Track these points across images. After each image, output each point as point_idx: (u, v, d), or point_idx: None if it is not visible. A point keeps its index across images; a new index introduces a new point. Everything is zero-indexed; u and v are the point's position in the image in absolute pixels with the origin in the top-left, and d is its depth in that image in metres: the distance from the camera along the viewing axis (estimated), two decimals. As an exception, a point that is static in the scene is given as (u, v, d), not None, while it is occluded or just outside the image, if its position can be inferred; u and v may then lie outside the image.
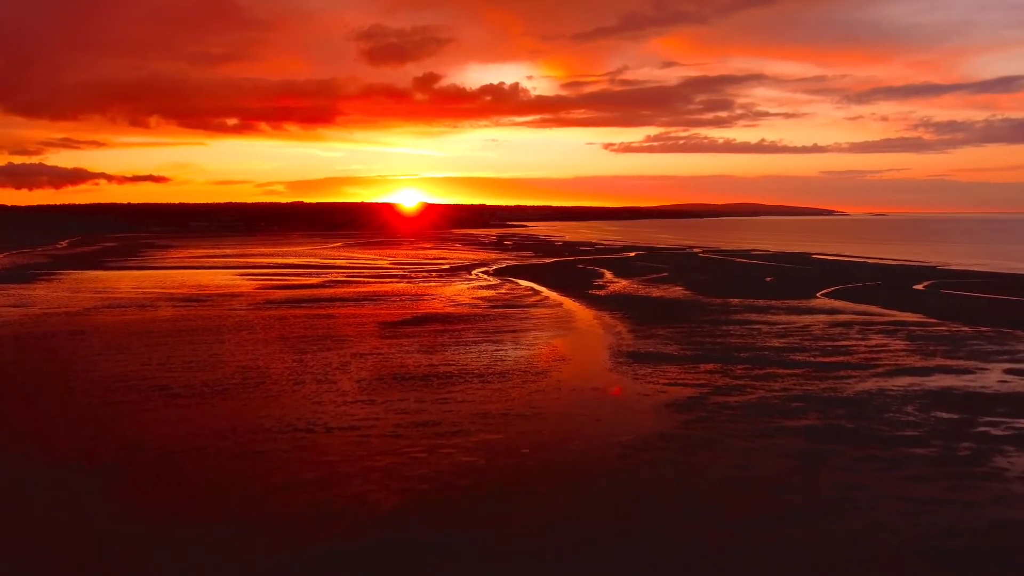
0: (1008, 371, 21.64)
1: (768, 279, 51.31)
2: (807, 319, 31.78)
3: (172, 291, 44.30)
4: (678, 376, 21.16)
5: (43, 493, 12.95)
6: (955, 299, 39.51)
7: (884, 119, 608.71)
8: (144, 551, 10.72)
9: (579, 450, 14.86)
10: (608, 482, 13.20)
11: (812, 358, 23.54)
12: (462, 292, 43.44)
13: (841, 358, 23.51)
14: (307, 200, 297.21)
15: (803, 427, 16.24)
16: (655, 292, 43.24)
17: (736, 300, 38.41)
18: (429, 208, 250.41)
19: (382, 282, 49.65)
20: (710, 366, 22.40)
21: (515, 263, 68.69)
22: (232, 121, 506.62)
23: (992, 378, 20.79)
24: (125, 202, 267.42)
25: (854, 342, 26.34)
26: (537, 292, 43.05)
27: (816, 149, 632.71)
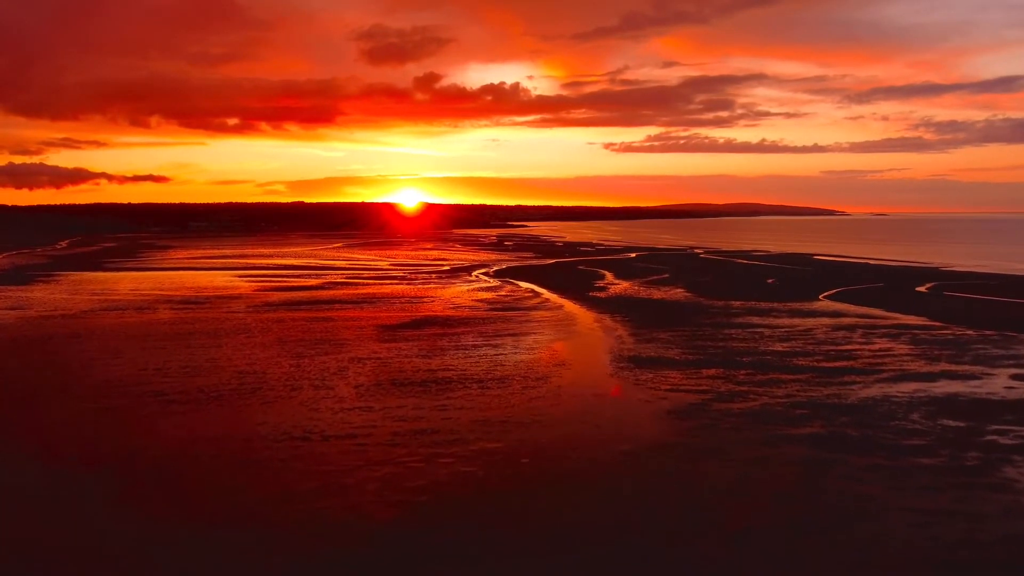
0: (1014, 376, 21.37)
1: (770, 281, 51.04)
2: (810, 322, 31.52)
3: (170, 293, 44.06)
4: (680, 381, 20.90)
5: (30, 502, 12.71)
6: (958, 301, 39.24)
7: (885, 119, 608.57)
8: (134, 565, 10.47)
9: (580, 460, 14.61)
10: (610, 494, 12.94)
11: (815, 363, 23.28)
12: (462, 294, 43.19)
13: (845, 363, 23.24)
14: (308, 200, 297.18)
15: (808, 435, 15.98)
16: (656, 294, 42.99)
17: (738, 302, 38.14)
18: (429, 208, 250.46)
19: (381, 284, 49.41)
20: (712, 371, 22.14)
21: (515, 264, 68.45)
22: (233, 121, 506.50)
23: (998, 384, 20.52)
24: (126, 202, 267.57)
25: (858, 346, 26.07)
26: (537, 294, 42.80)
27: (817, 149, 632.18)
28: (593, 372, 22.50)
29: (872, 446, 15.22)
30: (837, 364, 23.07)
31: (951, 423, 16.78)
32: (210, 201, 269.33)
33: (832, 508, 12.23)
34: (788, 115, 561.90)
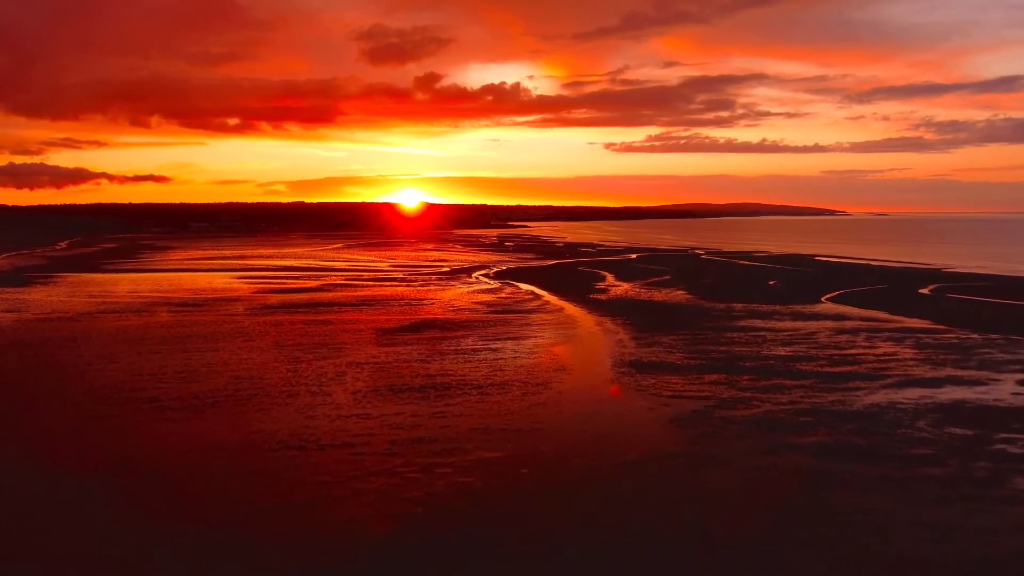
0: (1021, 382, 21.07)
1: (771, 282, 50.73)
2: (813, 325, 31.22)
3: (169, 295, 43.78)
4: (682, 387, 20.60)
5: (15, 510, 12.43)
6: (962, 304, 38.93)
7: (885, 119, 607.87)
8: (123, 583, 10.21)
9: (580, 470, 14.31)
10: (611, 506, 12.65)
11: (819, 368, 22.99)
12: (462, 296, 42.90)
13: (849, 368, 22.95)
14: (308, 200, 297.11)
15: (813, 444, 15.68)
16: (657, 296, 42.68)
17: (740, 305, 37.85)
18: (430, 208, 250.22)
19: (381, 285, 49.12)
20: (714, 376, 21.85)
21: (516, 265, 68.16)
22: (233, 121, 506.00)
23: (1005, 390, 20.22)
24: (126, 202, 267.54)
25: (862, 350, 25.77)
26: (538, 296, 42.50)
27: (817, 149, 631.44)
28: (594, 377, 22.20)
29: (879, 455, 14.93)
30: (841, 369, 22.78)
31: (958, 431, 16.48)
32: (211, 201, 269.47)
33: (839, 522, 11.93)
34: (789, 115, 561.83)
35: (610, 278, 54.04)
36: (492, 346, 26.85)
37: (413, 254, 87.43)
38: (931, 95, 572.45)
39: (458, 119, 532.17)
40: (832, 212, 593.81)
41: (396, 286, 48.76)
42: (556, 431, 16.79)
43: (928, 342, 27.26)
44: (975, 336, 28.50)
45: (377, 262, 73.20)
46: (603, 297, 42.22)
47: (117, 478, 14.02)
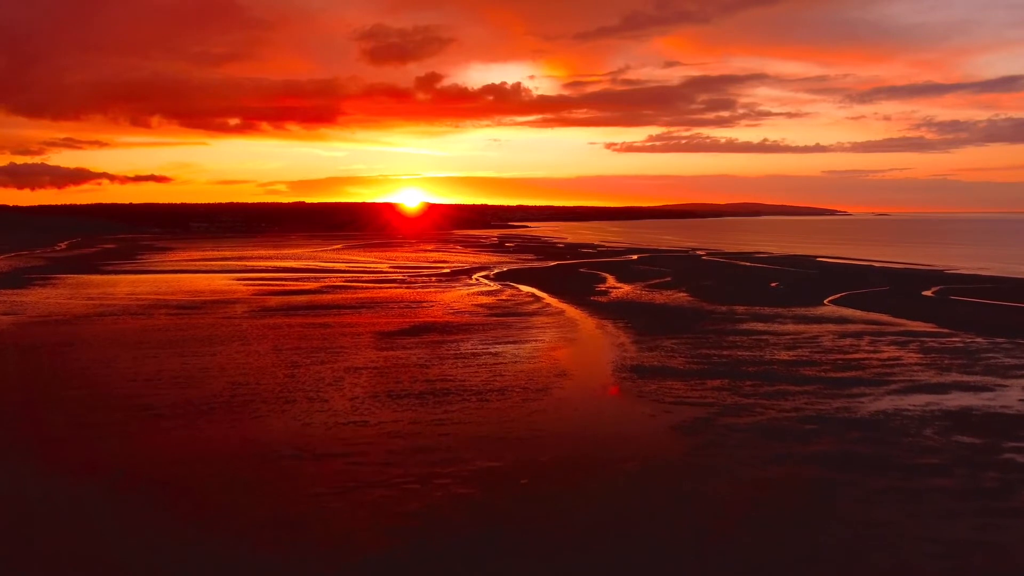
0: (1028, 388, 20.77)
1: (773, 284, 50.43)
2: (815, 329, 30.92)
3: (167, 297, 43.50)
4: (684, 393, 20.31)
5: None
6: (966, 307, 38.63)
7: (886, 119, 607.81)
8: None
9: (581, 481, 14.02)
10: (613, 520, 12.34)
11: (823, 373, 22.69)
12: (462, 298, 42.61)
13: (853, 373, 22.65)
14: (309, 200, 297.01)
15: (818, 453, 15.38)
16: (658, 299, 42.39)
17: (742, 308, 37.55)
18: (431, 208, 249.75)
19: (381, 287, 48.84)
20: (717, 382, 21.55)
21: (516, 266, 67.87)
22: (234, 121, 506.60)
23: (1013, 396, 19.91)
24: (127, 202, 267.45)
25: (866, 355, 25.48)
26: (538, 299, 42.21)
27: (818, 149, 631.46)
28: (595, 383, 21.91)
29: (885, 465, 14.63)
30: (845, 374, 22.48)
31: (966, 440, 16.19)
32: (211, 201, 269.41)
33: (846, 537, 11.63)
34: (790, 115, 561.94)
35: (611, 280, 53.75)
36: (492, 350, 26.56)
37: (413, 255, 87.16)
38: (932, 95, 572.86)
39: (459, 119, 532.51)
40: (833, 212, 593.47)
41: (396, 288, 48.49)
42: (556, 439, 16.49)
43: (933, 346, 26.96)
44: (980, 340, 28.20)
45: (377, 263, 72.93)
46: (604, 299, 41.92)
47: (103, 490, 13.72)
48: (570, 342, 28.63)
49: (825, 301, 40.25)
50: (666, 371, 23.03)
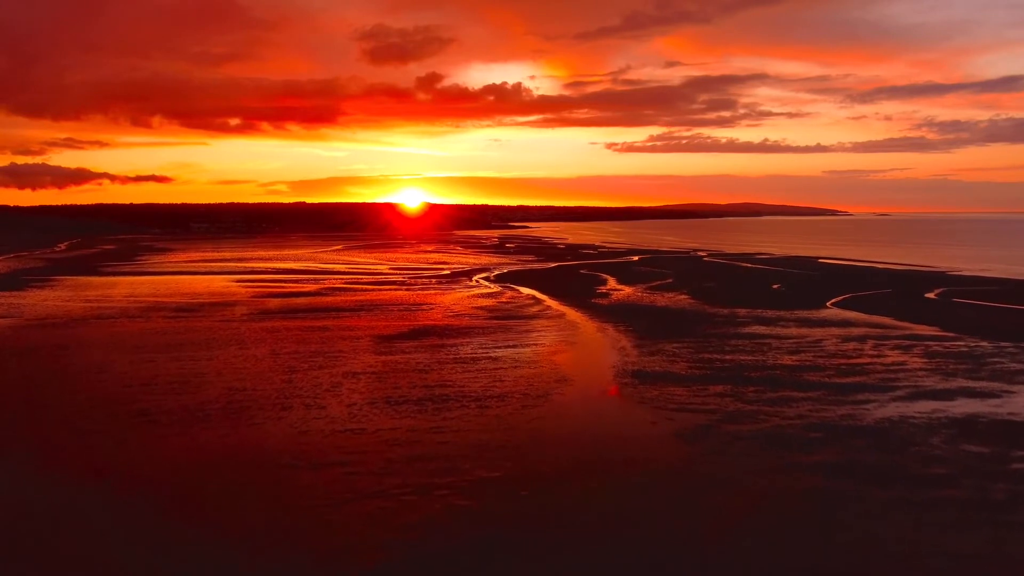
0: (1035, 394, 20.49)
1: (775, 286, 50.13)
2: (818, 332, 30.63)
3: (165, 299, 43.23)
4: (686, 400, 20.03)
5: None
6: (970, 309, 38.33)
7: (887, 119, 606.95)
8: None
9: (582, 492, 13.74)
10: (614, 533, 12.07)
11: (827, 378, 22.40)
12: (462, 301, 42.34)
13: (858, 378, 22.36)
14: (310, 200, 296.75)
15: (823, 463, 15.10)
16: (660, 301, 42.10)
17: (744, 310, 37.25)
18: (431, 209, 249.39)
19: (380, 289, 48.57)
20: (719, 388, 21.27)
21: (517, 268, 67.61)
22: (234, 121, 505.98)
23: (1020, 403, 19.63)
24: (128, 202, 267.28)
25: (870, 359, 25.19)
26: (539, 301, 41.93)
27: (819, 149, 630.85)
28: (596, 389, 21.64)
29: (892, 476, 14.36)
30: (850, 380, 22.19)
31: (974, 449, 15.91)
32: (212, 201, 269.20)
33: (852, 550, 11.36)
34: (790, 115, 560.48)
35: (612, 282, 53.47)
36: (492, 354, 26.29)
37: (413, 256, 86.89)
38: (933, 95, 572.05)
39: (460, 119, 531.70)
40: (834, 212, 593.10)
41: (396, 290, 48.21)
42: (556, 448, 16.22)
43: (937, 350, 26.67)
44: (985, 344, 27.90)
45: (377, 264, 72.66)
46: (605, 302, 41.64)
47: (93, 499, 13.45)
48: (571, 346, 28.35)
49: (827, 303, 39.96)
50: (668, 376, 22.75)
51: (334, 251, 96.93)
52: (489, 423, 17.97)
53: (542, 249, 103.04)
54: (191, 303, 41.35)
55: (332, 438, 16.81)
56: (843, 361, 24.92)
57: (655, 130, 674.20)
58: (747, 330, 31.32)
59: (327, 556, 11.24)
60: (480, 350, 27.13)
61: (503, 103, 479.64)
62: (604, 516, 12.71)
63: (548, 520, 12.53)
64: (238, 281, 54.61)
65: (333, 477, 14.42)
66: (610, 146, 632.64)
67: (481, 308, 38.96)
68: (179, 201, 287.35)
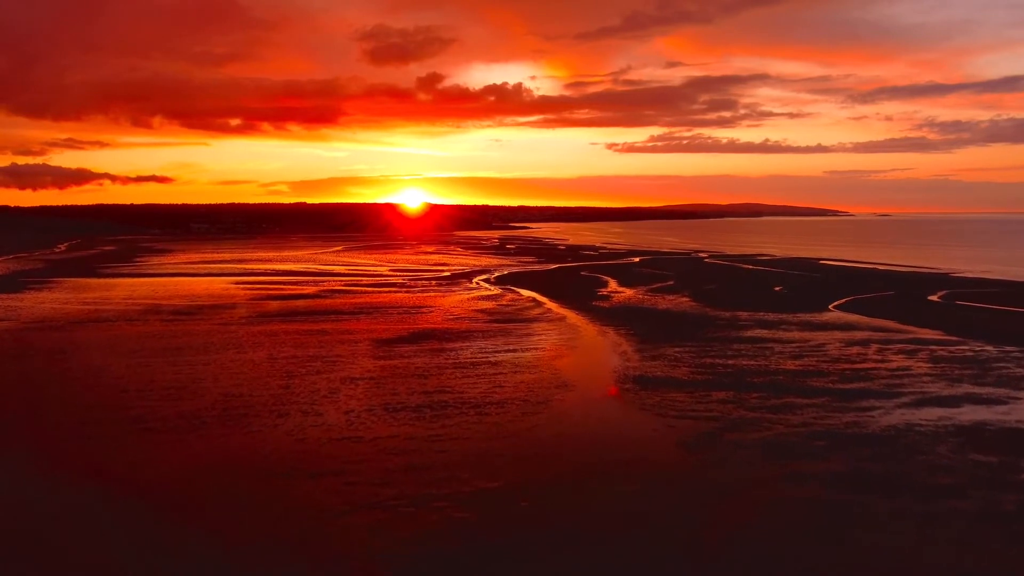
0: (1042, 401, 20.23)
1: (777, 288, 49.85)
2: (821, 336, 30.37)
3: (163, 302, 42.97)
4: (688, 406, 19.77)
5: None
6: (973, 312, 38.06)
7: (888, 119, 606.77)
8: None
9: (583, 503, 13.49)
10: (615, 544, 11.81)
11: (831, 384, 22.14)
12: (462, 303, 42.07)
13: (862, 384, 22.10)
14: (311, 200, 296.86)
15: (828, 473, 14.84)
16: (661, 304, 41.83)
17: (745, 314, 36.98)
18: (432, 209, 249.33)
19: (380, 292, 48.31)
20: (722, 394, 21.01)
21: (517, 269, 67.34)
22: (235, 121, 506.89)
23: (1026, 410, 19.37)
24: (129, 203, 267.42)
25: (874, 364, 24.92)
26: (539, 304, 41.66)
27: (820, 149, 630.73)
28: (597, 395, 21.38)
29: (898, 486, 14.11)
30: (854, 385, 21.93)
31: (981, 458, 15.65)
32: (213, 202, 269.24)
33: (857, 565, 11.10)
34: (791, 115, 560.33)
35: (613, 284, 53.20)
36: (492, 359, 26.04)
37: (414, 257, 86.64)
38: (934, 95, 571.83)
39: (460, 119, 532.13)
40: (835, 212, 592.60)
41: (395, 292, 47.96)
42: (557, 457, 15.97)
43: (942, 355, 26.40)
44: (990, 348, 27.64)
45: (377, 266, 72.42)
46: (606, 304, 41.37)
47: (78, 510, 13.20)
48: (571, 350, 28.10)
49: (830, 306, 39.69)
50: (670, 382, 22.50)
51: (334, 252, 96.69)
52: (489, 431, 17.72)
53: (543, 250, 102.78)
54: (189, 306, 41.10)
55: (329, 446, 16.56)
56: (847, 366, 24.66)
57: (656, 130, 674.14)
58: (749, 334, 31.06)
59: (324, 567, 10.99)
60: (480, 354, 26.88)
61: (504, 103, 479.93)
62: (605, 527, 12.45)
63: (549, 530, 12.27)
64: (237, 283, 54.37)
65: (330, 487, 14.17)
66: (611, 146, 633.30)
67: (481, 311, 38.70)
68: (179, 201, 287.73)
